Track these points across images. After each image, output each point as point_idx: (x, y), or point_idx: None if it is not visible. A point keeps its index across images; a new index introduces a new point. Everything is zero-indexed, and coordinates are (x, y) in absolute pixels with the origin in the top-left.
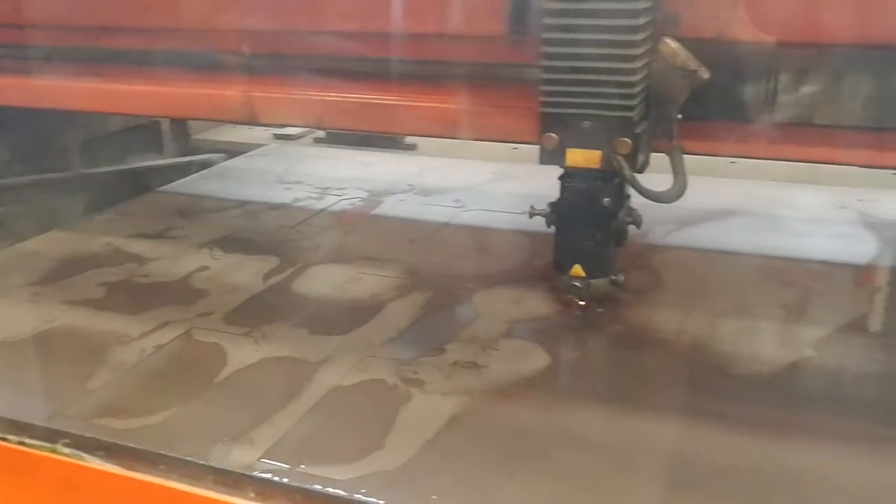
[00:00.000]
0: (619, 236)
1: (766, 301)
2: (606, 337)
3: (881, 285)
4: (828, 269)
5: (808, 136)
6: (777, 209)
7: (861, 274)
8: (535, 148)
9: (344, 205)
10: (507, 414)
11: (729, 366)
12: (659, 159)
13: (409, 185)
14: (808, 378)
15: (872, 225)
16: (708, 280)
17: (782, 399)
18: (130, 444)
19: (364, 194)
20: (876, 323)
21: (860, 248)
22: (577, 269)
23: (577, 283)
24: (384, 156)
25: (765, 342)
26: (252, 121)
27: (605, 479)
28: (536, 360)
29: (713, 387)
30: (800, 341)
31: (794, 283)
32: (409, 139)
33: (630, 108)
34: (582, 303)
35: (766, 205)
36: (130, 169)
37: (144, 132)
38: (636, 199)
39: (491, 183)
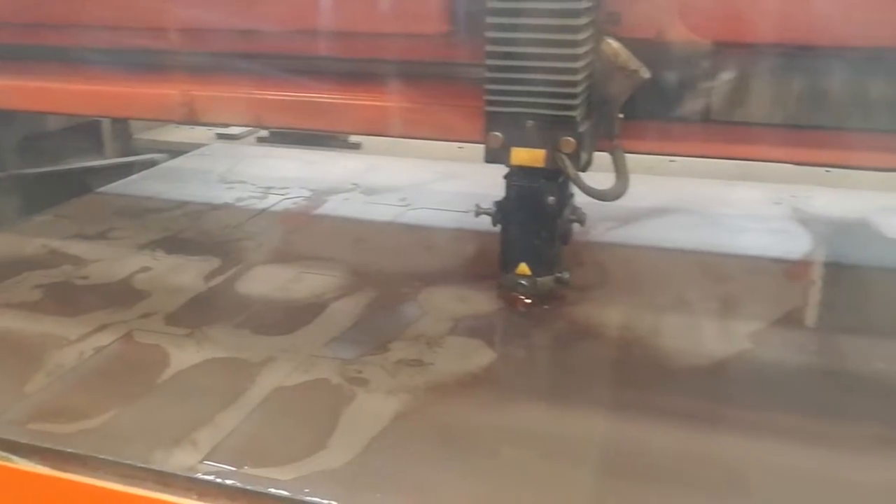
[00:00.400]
0: (564, 234)
1: (704, 295)
2: (551, 333)
3: (814, 279)
4: (763, 264)
5: (742, 134)
6: (714, 206)
7: (795, 268)
8: (480, 147)
9: (287, 204)
10: (451, 411)
11: (669, 359)
12: (601, 158)
13: (353, 183)
14: (745, 370)
15: (805, 220)
16: (649, 276)
17: (720, 391)
18: (67, 449)
19: (308, 193)
20: (809, 316)
21: (794, 243)
22: (524, 268)
23: (523, 281)
24: (328, 155)
25: (703, 336)
26: (192, 120)
27: (546, 472)
28: (481, 357)
29: (653, 380)
30: (737, 334)
31: (730, 277)
32: (354, 138)
33: (573, 108)
34: (528, 300)
35: (704, 202)
36: (69, 169)
37: (84, 132)
38: (579, 197)
39: (436, 182)
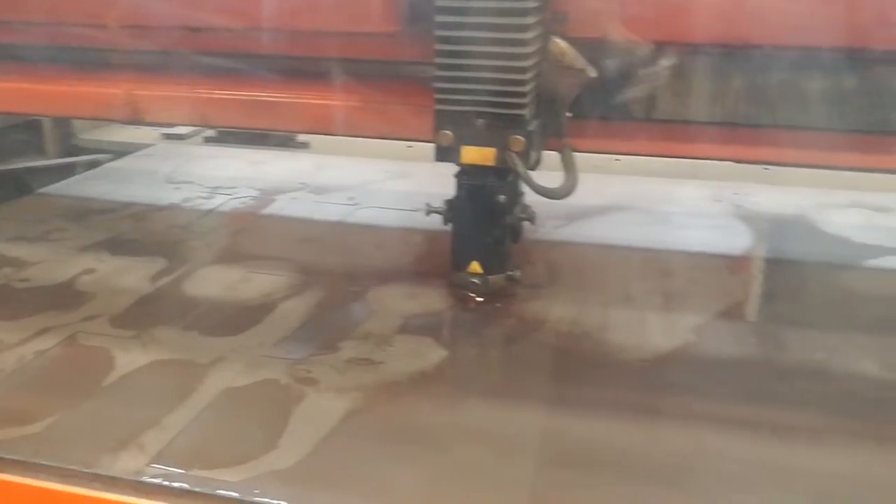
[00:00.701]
0: (515, 232)
1: (649, 291)
2: (502, 330)
3: (754, 273)
4: (705, 259)
5: (685, 132)
6: (658, 204)
7: (736, 263)
8: (429, 146)
9: (235, 204)
10: (402, 409)
11: (616, 354)
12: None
13: (301, 183)
14: (689, 362)
15: (745, 217)
16: (597, 273)
17: (665, 383)
18: (9, 456)
19: (255, 193)
20: (750, 309)
21: (735, 238)
22: (475, 266)
23: (474, 280)
24: (276, 154)
25: (649, 330)
26: (136, 119)
27: (497, 469)
28: (432, 354)
29: (601, 375)
30: (681, 328)
31: (674, 273)
32: (302, 137)
33: (522, 107)
34: (480, 299)
35: (649, 200)
36: (9, 170)
37: (24, 131)
38: (529, 196)
39: (385, 181)
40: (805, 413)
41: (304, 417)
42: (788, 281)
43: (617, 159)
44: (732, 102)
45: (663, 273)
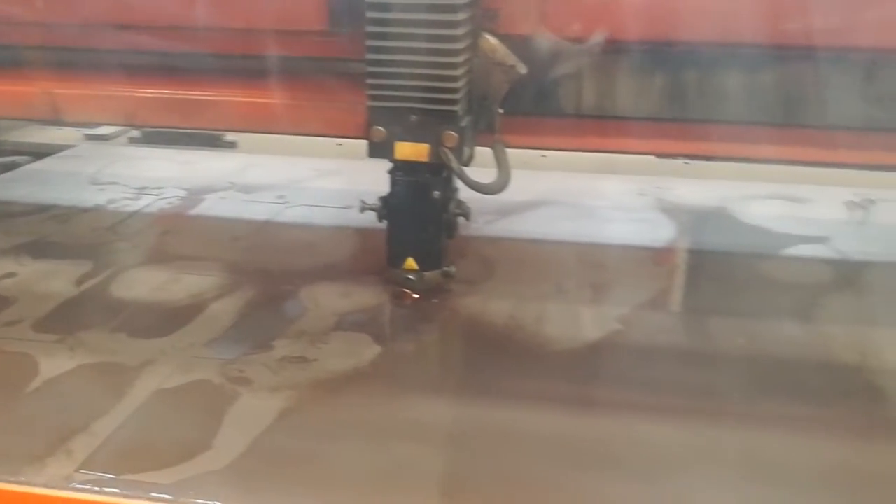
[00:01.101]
0: (450, 228)
1: (580, 283)
2: (437, 326)
3: (678, 264)
4: (631, 252)
5: (611, 128)
6: (585, 198)
7: (660, 255)
8: (360, 144)
9: (162, 204)
10: (337, 406)
11: (548, 345)
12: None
13: (230, 182)
14: (617, 351)
15: (668, 210)
16: (529, 267)
17: (595, 372)
18: None
19: (183, 193)
20: (675, 299)
21: (659, 230)
22: (410, 262)
23: (410, 276)
24: (203, 154)
25: (579, 321)
26: (56, 119)
27: (436, 465)
28: (367, 351)
29: (534, 367)
30: (608, 318)
31: (602, 265)
32: (230, 136)
33: (454, 102)
34: (415, 295)
35: (576, 195)
36: None
37: None
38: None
39: (315, 179)
40: (729, 397)
41: (238, 417)
42: (711, 271)
43: (543, 155)
44: (657, 98)
45: (592, 266)
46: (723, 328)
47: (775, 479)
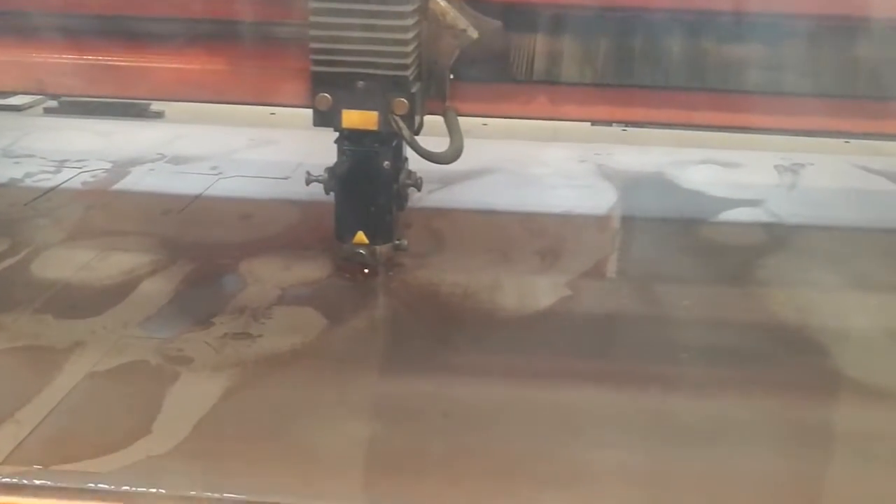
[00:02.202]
0: (400, 200)
1: (527, 253)
2: (386, 299)
3: (619, 230)
4: (574, 218)
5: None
6: (528, 166)
7: (602, 221)
8: (294, 112)
9: (85, 178)
10: (284, 383)
11: (500, 315)
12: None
13: (158, 153)
14: (568, 317)
15: (609, 175)
16: (477, 237)
17: (544, 340)
18: None
19: (107, 165)
20: (620, 264)
21: (600, 196)
22: (360, 236)
23: (360, 251)
24: (128, 124)
25: (530, 289)
26: None
27: (384, 440)
28: (314, 326)
29: (487, 336)
30: (558, 285)
31: (547, 233)
32: (157, 106)
33: (405, 67)
34: (366, 270)
35: (518, 162)
36: None
37: None
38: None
39: (249, 149)
40: (672, 361)
41: (180, 399)
42: (653, 236)
43: (485, 124)
44: (603, 63)
45: (539, 234)
46: (668, 292)
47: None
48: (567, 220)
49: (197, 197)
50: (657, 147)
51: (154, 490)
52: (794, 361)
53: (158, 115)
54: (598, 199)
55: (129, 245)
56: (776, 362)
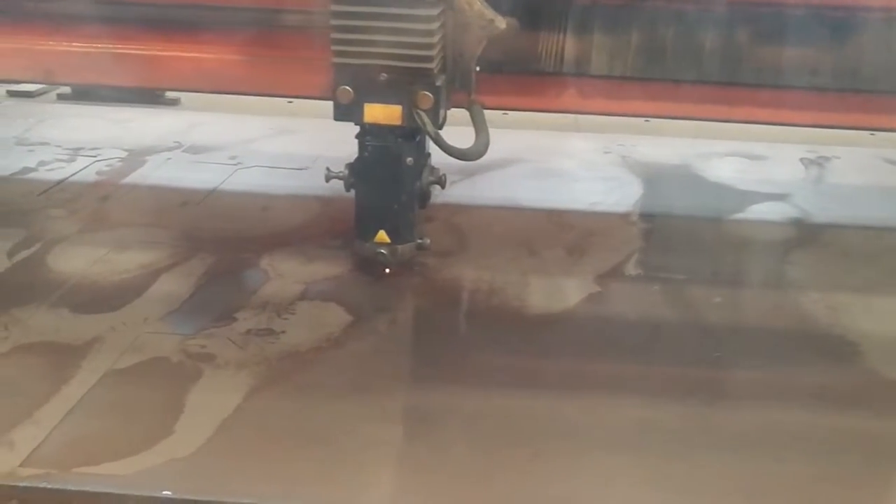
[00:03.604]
0: (423, 197)
1: (551, 246)
2: (404, 293)
3: (645, 224)
4: (601, 214)
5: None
6: (551, 156)
7: (628, 215)
8: (313, 102)
9: (100, 167)
10: (308, 382)
11: (524, 311)
12: None
13: (175, 142)
14: (597, 314)
15: (633, 167)
16: (500, 234)
17: (572, 337)
18: None
19: (123, 154)
20: (647, 259)
21: (626, 189)
22: (382, 235)
23: (382, 250)
24: (143, 112)
25: (555, 286)
26: None
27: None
28: (336, 321)
29: (512, 340)
30: (585, 281)
31: (573, 226)
32: (172, 93)
33: (429, 59)
34: (388, 270)
35: (541, 153)
36: None
37: None
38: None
39: (267, 139)
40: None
41: (202, 398)
42: (681, 230)
43: (505, 114)
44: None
45: (564, 228)
46: (698, 289)
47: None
48: (593, 215)
49: (215, 188)
50: (680, 138)
51: (178, 496)
52: (829, 363)
53: (174, 103)
54: (625, 192)
55: (147, 237)
56: (811, 364)
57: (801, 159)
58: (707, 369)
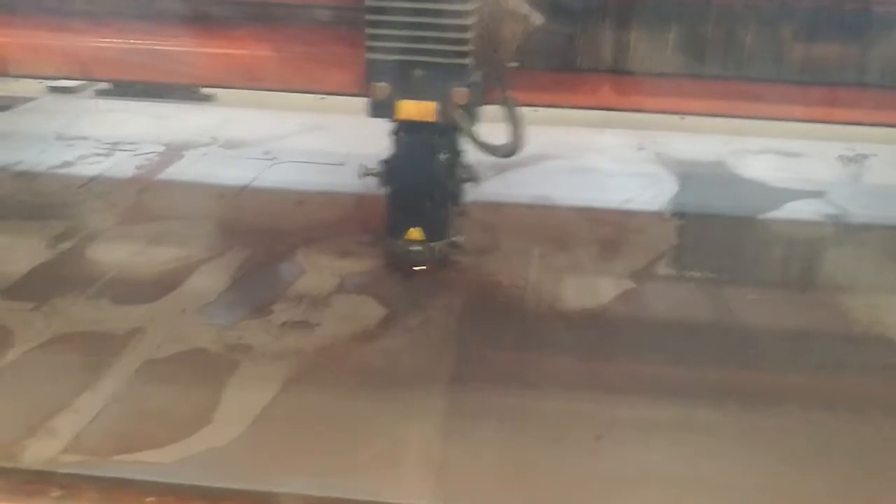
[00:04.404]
0: (456, 195)
1: (585, 245)
2: (438, 289)
3: (683, 222)
4: (635, 208)
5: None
6: (584, 153)
7: (665, 211)
8: (344, 98)
9: (138, 161)
10: (344, 374)
11: (560, 310)
12: None
13: (211, 137)
14: (632, 314)
15: (668, 164)
16: (534, 233)
17: (608, 338)
18: None
19: (160, 149)
20: (682, 258)
21: (661, 186)
22: (415, 233)
23: (415, 248)
24: (179, 107)
25: (590, 284)
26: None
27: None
28: (372, 314)
29: (545, 334)
30: (620, 279)
31: (607, 223)
32: (207, 89)
33: (465, 55)
34: (421, 268)
35: (574, 149)
36: None
37: None
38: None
39: (300, 134)
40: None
41: (240, 388)
42: (716, 228)
43: (535, 109)
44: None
45: (598, 226)
46: (734, 288)
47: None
48: (627, 211)
49: (250, 183)
50: (714, 135)
51: (218, 487)
52: (872, 368)
53: (209, 99)
54: (659, 190)
55: (184, 230)
56: (853, 369)
57: (839, 157)
58: (742, 371)
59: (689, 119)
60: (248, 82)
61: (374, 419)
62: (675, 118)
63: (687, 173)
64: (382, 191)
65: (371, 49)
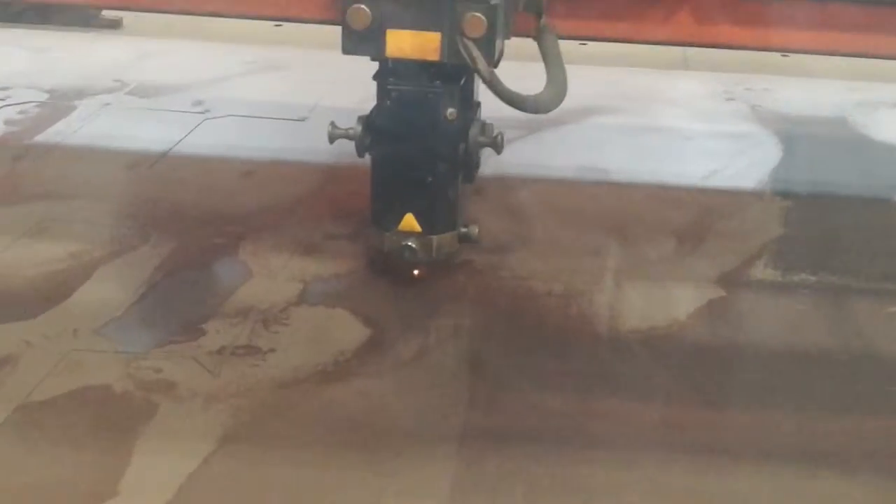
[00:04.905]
0: (470, 167)
1: (653, 236)
2: (441, 299)
3: (791, 204)
4: (722, 183)
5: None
6: (649, 106)
7: (764, 189)
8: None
9: (10, 114)
10: (309, 426)
11: (614, 330)
12: None
13: (116, 80)
14: (717, 334)
15: (769, 121)
16: (576, 220)
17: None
18: None
19: (43, 97)
20: (790, 254)
21: (760, 152)
22: (409, 221)
23: (409, 243)
24: (72, 37)
25: (659, 292)
26: None
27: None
28: (347, 336)
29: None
30: (701, 285)
31: (683, 208)
32: (111, 13)
33: None
34: (416, 272)
35: (635, 100)
36: None
37: None
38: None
39: (246, 77)
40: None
41: (157, 446)
42: (836, 212)
43: (583, 43)
44: None
45: (671, 210)
46: (861, 297)
47: None
48: (713, 191)
49: (173, 146)
50: (832, 80)
51: None
52: None
53: (114, 25)
54: (756, 158)
55: (77, 215)
56: None
57: None
58: (881, 417)
59: (796, 58)
60: (195, 7)
61: (348, 496)
62: (775, 56)
63: (794, 134)
64: (363, 160)
65: None
